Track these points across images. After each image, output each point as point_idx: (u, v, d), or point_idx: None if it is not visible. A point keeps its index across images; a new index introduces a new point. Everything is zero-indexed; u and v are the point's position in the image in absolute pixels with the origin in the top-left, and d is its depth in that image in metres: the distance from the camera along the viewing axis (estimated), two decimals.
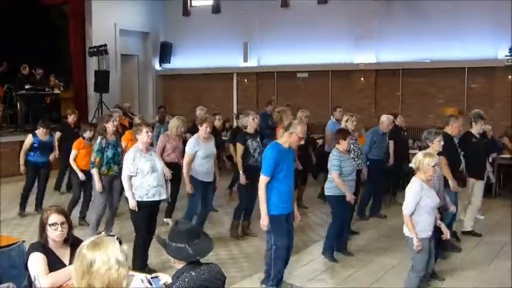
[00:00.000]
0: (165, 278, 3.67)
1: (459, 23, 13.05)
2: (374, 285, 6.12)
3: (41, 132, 9.17)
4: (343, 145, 6.80)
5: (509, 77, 12.83)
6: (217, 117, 9.91)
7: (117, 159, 7.70)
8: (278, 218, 5.63)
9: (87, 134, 8.59)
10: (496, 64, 12.83)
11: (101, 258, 2.56)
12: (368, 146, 9.02)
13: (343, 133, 7.00)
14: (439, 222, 5.39)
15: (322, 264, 6.82)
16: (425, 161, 5.10)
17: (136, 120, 8.82)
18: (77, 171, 8.52)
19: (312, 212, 9.54)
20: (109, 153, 7.62)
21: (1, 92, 14.27)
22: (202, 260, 3.51)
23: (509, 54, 12.54)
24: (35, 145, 9.12)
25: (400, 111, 13.33)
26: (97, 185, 7.60)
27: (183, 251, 3.44)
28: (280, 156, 5.58)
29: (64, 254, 3.92)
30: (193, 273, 3.38)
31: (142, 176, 6.30)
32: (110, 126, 7.74)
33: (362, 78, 14.73)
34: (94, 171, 7.56)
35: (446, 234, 5.42)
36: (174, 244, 3.48)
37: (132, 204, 6.31)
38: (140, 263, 6.23)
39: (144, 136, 6.33)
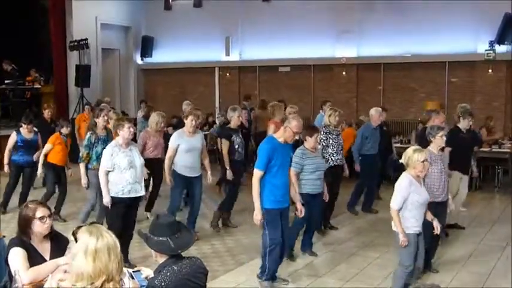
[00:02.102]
0: (147, 271, 3.67)
1: (440, 17, 13.15)
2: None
3: (24, 129, 8.91)
4: (309, 142, 6.64)
5: (489, 70, 12.97)
6: (198, 112, 9.88)
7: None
8: (271, 212, 5.64)
9: (64, 130, 8.55)
10: (476, 58, 12.97)
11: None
12: (359, 142, 9.02)
13: (310, 130, 6.78)
14: (431, 217, 5.33)
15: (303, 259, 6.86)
16: (415, 156, 5.03)
17: (112, 115, 8.67)
18: (40, 165, 8.47)
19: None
20: (99, 148, 7.56)
21: None
22: (184, 254, 3.52)
23: (489, 48, 12.67)
24: (19, 144, 8.89)
25: (381, 105, 13.44)
26: (82, 179, 7.62)
27: (165, 244, 3.44)
28: (274, 150, 5.61)
29: (45, 249, 3.91)
30: (175, 267, 3.38)
31: (119, 172, 6.24)
32: (100, 121, 7.78)
33: (344, 73, 14.79)
34: (81, 166, 7.57)
35: (437, 229, 5.33)
36: (155, 238, 3.47)
37: (106, 200, 6.28)
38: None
39: (125, 132, 6.27)
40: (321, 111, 10.18)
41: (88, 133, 7.74)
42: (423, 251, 5.33)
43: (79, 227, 3.08)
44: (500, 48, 12.64)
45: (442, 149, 6.18)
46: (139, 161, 6.50)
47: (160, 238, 3.45)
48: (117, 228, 6.03)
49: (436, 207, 5.64)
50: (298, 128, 5.64)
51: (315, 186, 6.65)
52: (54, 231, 3.98)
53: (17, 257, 3.79)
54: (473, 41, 12.93)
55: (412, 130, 11.20)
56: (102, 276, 2.70)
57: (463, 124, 7.86)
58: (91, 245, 2.72)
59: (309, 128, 7.00)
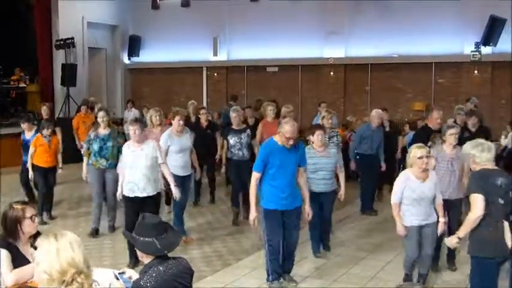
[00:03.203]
0: (131, 272, 3.67)
1: (426, 18, 13.22)
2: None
3: (26, 130, 9.06)
4: (313, 141, 6.66)
5: (475, 71, 13.07)
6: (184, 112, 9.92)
7: (105, 153, 7.80)
8: (270, 213, 5.66)
9: (45, 131, 8.52)
10: (463, 59, 13.05)
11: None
12: (356, 141, 9.10)
13: (311, 129, 6.89)
14: (441, 215, 5.44)
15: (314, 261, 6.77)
16: (412, 153, 5.28)
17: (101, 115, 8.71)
18: (29, 168, 8.58)
19: None
20: (95, 146, 7.79)
21: None
22: (170, 255, 3.51)
23: (474, 49, 12.77)
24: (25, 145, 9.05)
25: (369, 106, 13.49)
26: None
27: (151, 245, 3.43)
28: (271, 153, 5.62)
29: (27, 251, 3.87)
30: (161, 268, 3.36)
31: (128, 170, 6.56)
32: (99, 120, 7.97)
33: (331, 73, 14.82)
34: (84, 160, 7.96)
35: (440, 229, 5.44)
36: (141, 238, 3.46)
37: (118, 197, 6.75)
38: (134, 260, 6.11)
39: (131, 131, 6.54)
40: (318, 113, 10.18)
41: (91, 130, 8.08)
42: (431, 242, 5.50)
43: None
44: (486, 50, 12.74)
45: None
46: (143, 161, 6.56)
47: (147, 239, 3.43)
48: (128, 226, 6.23)
49: (446, 205, 5.67)
50: (290, 133, 5.50)
51: (318, 187, 6.55)
52: (37, 232, 3.96)
53: (1, 259, 3.77)
54: (459, 43, 13.01)
55: (401, 132, 11.20)
56: (70, 270, 2.69)
57: (470, 124, 8.31)
58: (52, 245, 2.73)
59: (311, 127, 7.17)
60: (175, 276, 3.39)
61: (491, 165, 4.52)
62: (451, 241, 4.71)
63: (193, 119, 10.17)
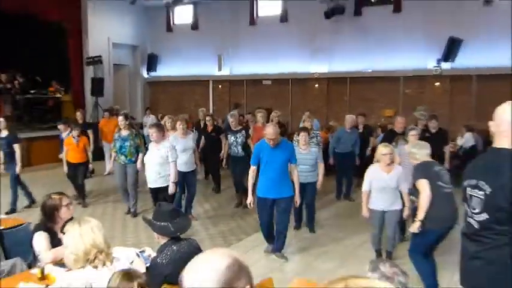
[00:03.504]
0: (150, 251, 3.68)
1: (396, 39, 13.25)
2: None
3: (62, 130, 9.25)
4: (298, 140, 6.96)
5: (436, 83, 13.11)
6: (186, 116, 9.92)
7: (124, 151, 7.90)
8: (259, 200, 5.80)
9: (74, 133, 8.62)
10: (426, 73, 13.08)
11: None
12: (334, 142, 9.24)
13: (297, 131, 7.16)
14: (406, 203, 5.44)
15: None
16: (379, 151, 5.48)
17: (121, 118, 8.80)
18: (64, 164, 8.72)
19: None
20: (117, 144, 7.95)
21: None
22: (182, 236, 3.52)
23: (436, 65, 12.81)
24: (61, 143, 9.24)
25: (348, 113, 13.48)
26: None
27: (166, 228, 3.44)
28: (260, 151, 5.73)
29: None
30: (175, 247, 3.37)
31: (146, 165, 6.90)
32: (119, 124, 8.12)
33: (316, 85, 14.84)
34: (106, 156, 8.45)
35: (405, 214, 5.49)
36: (158, 223, 3.47)
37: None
38: None
39: (150, 133, 6.85)
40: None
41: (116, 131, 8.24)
42: (393, 226, 5.61)
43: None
44: (446, 65, 12.78)
45: None
46: (154, 159, 6.70)
47: (162, 223, 3.45)
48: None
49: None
50: (270, 134, 5.58)
51: (300, 178, 6.39)
52: (71, 218, 3.98)
53: (40, 240, 3.79)
54: (423, 59, 13.02)
55: (373, 133, 11.20)
56: (93, 250, 2.72)
57: (431, 126, 8.43)
58: (76, 230, 2.75)
59: (298, 130, 7.40)
60: (187, 254, 3.39)
61: (428, 159, 4.88)
62: (413, 227, 4.71)
63: (202, 123, 10.22)
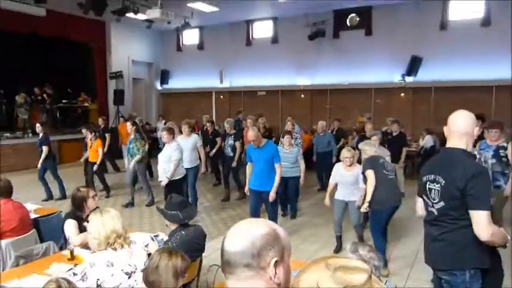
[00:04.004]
0: (163, 235, 3.66)
1: (367, 57, 13.27)
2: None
3: (85, 134, 8.91)
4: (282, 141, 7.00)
5: (401, 94, 13.14)
6: (191, 122, 9.86)
7: (131, 152, 7.85)
8: (250, 191, 5.76)
9: (90, 136, 8.48)
10: (393, 86, 13.09)
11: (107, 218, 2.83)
12: (315, 143, 9.31)
13: (283, 133, 7.15)
14: (361, 195, 5.40)
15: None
16: (342, 153, 5.56)
17: (127, 125, 8.78)
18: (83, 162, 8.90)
19: None
20: (129, 145, 7.96)
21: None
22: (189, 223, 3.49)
23: (401, 79, 12.84)
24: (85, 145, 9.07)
25: (328, 119, 13.51)
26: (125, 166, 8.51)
27: (176, 216, 3.42)
28: (249, 151, 5.74)
29: None
30: (183, 232, 3.36)
31: None
32: (127, 129, 8.16)
33: (302, 96, 14.83)
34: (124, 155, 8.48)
35: (359, 202, 5.43)
36: (169, 212, 3.46)
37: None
38: None
39: (162, 135, 6.88)
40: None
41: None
42: (354, 212, 5.55)
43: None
44: (409, 79, 12.79)
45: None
46: (162, 158, 6.65)
47: (173, 212, 3.43)
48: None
49: None
50: (251, 137, 5.51)
51: (284, 172, 6.41)
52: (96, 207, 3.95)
53: (70, 226, 3.77)
54: (390, 74, 13.05)
55: (349, 135, 11.23)
56: (112, 235, 2.72)
57: (393, 128, 8.58)
58: (98, 219, 2.76)
59: (283, 132, 7.35)
60: (193, 238, 3.38)
61: (375, 153, 5.17)
62: (363, 207, 4.95)
63: (205, 127, 10.20)
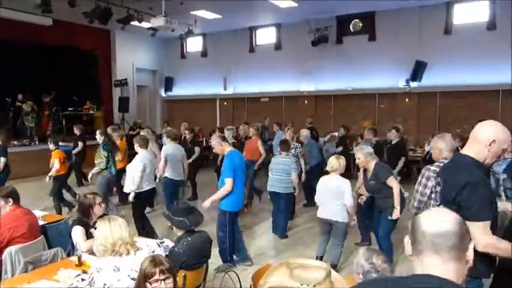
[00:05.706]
0: (168, 242, 3.68)
1: (372, 62, 13.29)
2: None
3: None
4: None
5: (406, 99, 13.12)
6: (186, 131, 9.64)
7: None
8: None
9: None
10: (397, 91, 13.08)
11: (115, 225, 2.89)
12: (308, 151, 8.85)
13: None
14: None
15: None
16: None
17: (145, 132, 8.39)
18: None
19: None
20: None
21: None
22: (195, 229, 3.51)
23: (405, 84, 12.82)
24: None
25: (332, 124, 13.52)
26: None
27: (183, 222, 3.45)
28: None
29: None
30: (189, 238, 3.38)
31: None
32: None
33: (305, 101, 14.85)
34: None
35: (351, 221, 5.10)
36: (176, 218, 3.48)
37: None
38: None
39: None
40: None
41: None
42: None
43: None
44: (413, 84, 12.77)
45: None
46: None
47: (179, 218, 3.46)
48: None
49: None
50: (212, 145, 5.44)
51: (275, 187, 6.40)
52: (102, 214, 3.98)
53: (77, 232, 3.80)
54: (394, 79, 13.05)
55: (353, 141, 11.23)
56: (119, 242, 2.76)
57: (393, 136, 8.23)
58: (106, 226, 2.80)
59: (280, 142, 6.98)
60: (199, 244, 3.41)
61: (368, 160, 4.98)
62: (395, 214, 4.91)
63: (183, 136, 9.68)
